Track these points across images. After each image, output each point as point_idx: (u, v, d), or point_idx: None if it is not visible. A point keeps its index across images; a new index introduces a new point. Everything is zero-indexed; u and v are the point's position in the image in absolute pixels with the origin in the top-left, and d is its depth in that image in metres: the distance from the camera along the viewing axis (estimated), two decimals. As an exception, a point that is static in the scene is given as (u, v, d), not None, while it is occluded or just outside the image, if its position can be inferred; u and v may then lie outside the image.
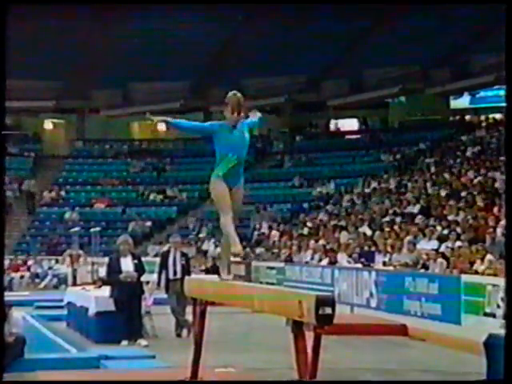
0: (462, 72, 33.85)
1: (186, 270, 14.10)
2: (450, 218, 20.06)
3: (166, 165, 39.63)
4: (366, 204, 26.96)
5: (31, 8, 32.42)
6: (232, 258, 7.46)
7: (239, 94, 7.51)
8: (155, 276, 14.76)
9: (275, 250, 25.75)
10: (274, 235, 28.08)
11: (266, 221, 30.88)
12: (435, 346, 12.93)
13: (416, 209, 22.82)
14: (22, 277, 28.88)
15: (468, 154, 28.81)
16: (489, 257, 15.02)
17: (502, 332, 7.70)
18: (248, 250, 27.06)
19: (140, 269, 13.45)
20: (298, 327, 6.17)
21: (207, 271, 23.32)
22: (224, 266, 7.70)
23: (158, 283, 14.46)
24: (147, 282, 14.52)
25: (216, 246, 28.33)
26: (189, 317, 12.94)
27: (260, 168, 37.06)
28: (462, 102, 38.46)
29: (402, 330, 14.00)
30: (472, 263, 15.38)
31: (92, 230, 30.66)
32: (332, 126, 42.06)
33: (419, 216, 21.69)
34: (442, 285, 14.12)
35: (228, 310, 12.99)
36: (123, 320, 13.03)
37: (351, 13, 34.30)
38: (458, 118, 37.86)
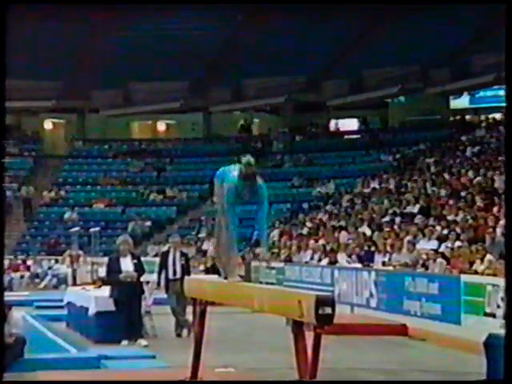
0: (461, 72, 33.85)
1: (186, 270, 14.12)
2: (450, 217, 20.05)
3: (166, 165, 39.61)
4: (366, 204, 26.95)
5: (31, 8, 32.44)
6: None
7: (252, 162, 7.46)
8: (155, 276, 14.78)
9: (275, 250, 25.73)
10: (274, 235, 28.07)
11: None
12: (435, 346, 12.94)
13: (416, 209, 22.81)
14: (21, 277, 28.88)
15: (468, 154, 28.81)
16: (489, 257, 15.01)
17: (502, 332, 7.71)
18: (248, 249, 27.08)
19: (140, 269, 13.45)
20: (298, 327, 6.17)
21: (207, 271, 23.31)
22: (230, 271, 7.65)
23: (158, 283, 14.47)
24: (147, 282, 14.52)
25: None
26: (189, 317, 12.96)
27: (260, 168, 37.01)
28: (462, 101, 38.48)
29: (402, 330, 14.07)
30: (472, 263, 15.37)
31: (92, 229, 30.67)
32: (332, 126, 42.07)
33: (419, 216, 21.68)
34: (441, 285, 14.11)
35: (228, 310, 13.01)
36: (123, 320, 13.03)
37: (351, 13, 34.31)
38: (457, 117, 37.87)
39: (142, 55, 36.01)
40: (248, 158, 7.49)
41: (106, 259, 15.44)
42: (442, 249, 17.30)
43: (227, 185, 7.54)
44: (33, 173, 39.42)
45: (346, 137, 40.91)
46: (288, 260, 23.41)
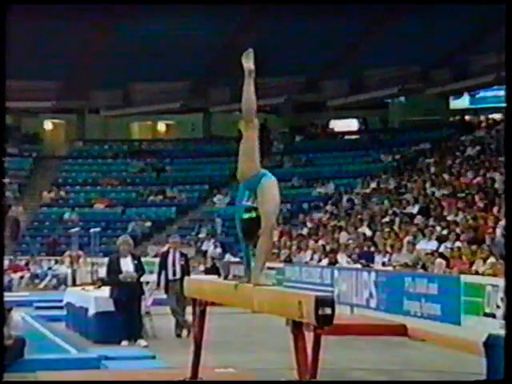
0: (461, 72, 33.83)
1: (186, 271, 14.13)
2: (450, 218, 20.06)
3: (166, 165, 39.61)
4: (366, 204, 26.96)
5: (31, 8, 32.42)
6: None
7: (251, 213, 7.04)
8: (155, 276, 14.77)
9: (275, 250, 25.74)
10: (274, 235, 28.06)
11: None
12: (435, 346, 12.93)
13: (415, 209, 22.82)
14: (21, 277, 28.84)
15: (468, 154, 28.82)
16: (492, 259, 15.01)
17: (501, 332, 7.71)
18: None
19: (140, 269, 13.45)
20: (297, 328, 6.17)
21: (207, 271, 23.30)
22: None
23: (158, 283, 14.47)
24: (147, 283, 14.53)
25: (215, 247, 28.32)
26: (189, 317, 12.95)
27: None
28: (462, 102, 38.47)
29: (402, 330, 14.06)
30: (471, 263, 15.38)
31: (92, 230, 30.65)
32: (332, 126, 42.06)
33: (418, 216, 21.69)
34: (441, 285, 14.12)
35: (228, 310, 12.99)
36: (123, 320, 13.03)
37: (351, 13, 34.29)
38: (457, 118, 37.89)
39: (142, 55, 35.98)
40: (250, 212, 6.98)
41: (106, 260, 15.44)
42: (442, 249, 17.31)
43: (237, 220, 7.17)
44: (32, 173, 39.41)
45: (346, 137, 40.90)
46: (288, 260, 23.42)
